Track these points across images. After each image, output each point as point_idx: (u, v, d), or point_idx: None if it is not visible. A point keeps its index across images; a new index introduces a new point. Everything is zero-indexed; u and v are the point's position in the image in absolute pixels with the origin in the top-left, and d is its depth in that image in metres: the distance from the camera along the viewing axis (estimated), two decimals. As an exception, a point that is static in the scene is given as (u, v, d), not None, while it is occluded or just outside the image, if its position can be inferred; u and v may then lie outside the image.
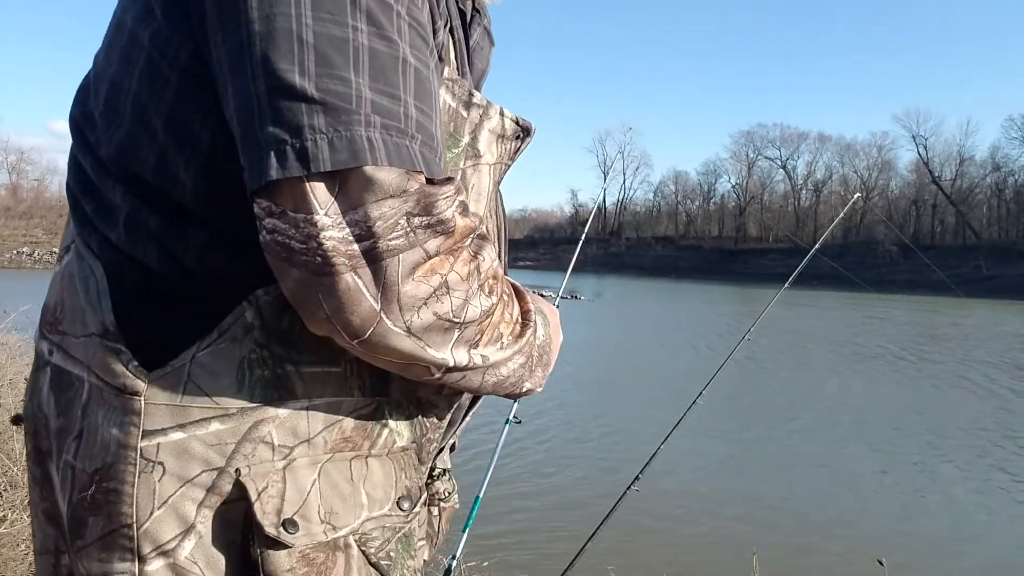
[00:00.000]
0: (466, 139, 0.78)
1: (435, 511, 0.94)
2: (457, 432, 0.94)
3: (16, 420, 0.83)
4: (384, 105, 0.61)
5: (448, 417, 0.86)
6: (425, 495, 0.84)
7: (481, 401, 0.92)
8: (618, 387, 13.37)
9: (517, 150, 0.85)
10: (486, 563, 4.20)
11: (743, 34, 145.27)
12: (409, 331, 0.65)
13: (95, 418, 0.68)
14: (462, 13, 0.81)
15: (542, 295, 0.95)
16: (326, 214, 0.60)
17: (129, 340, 0.68)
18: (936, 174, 73.28)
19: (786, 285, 2.76)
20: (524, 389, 0.82)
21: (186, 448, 0.66)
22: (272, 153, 0.59)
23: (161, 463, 0.66)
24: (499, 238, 0.90)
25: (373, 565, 0.74)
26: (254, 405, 0.68)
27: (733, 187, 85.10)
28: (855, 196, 3.62)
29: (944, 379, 15.46)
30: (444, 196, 0.64)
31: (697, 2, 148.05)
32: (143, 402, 0.66)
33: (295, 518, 0.68)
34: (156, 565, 0.66)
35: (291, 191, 0.60)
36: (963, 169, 73.08)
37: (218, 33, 0.62)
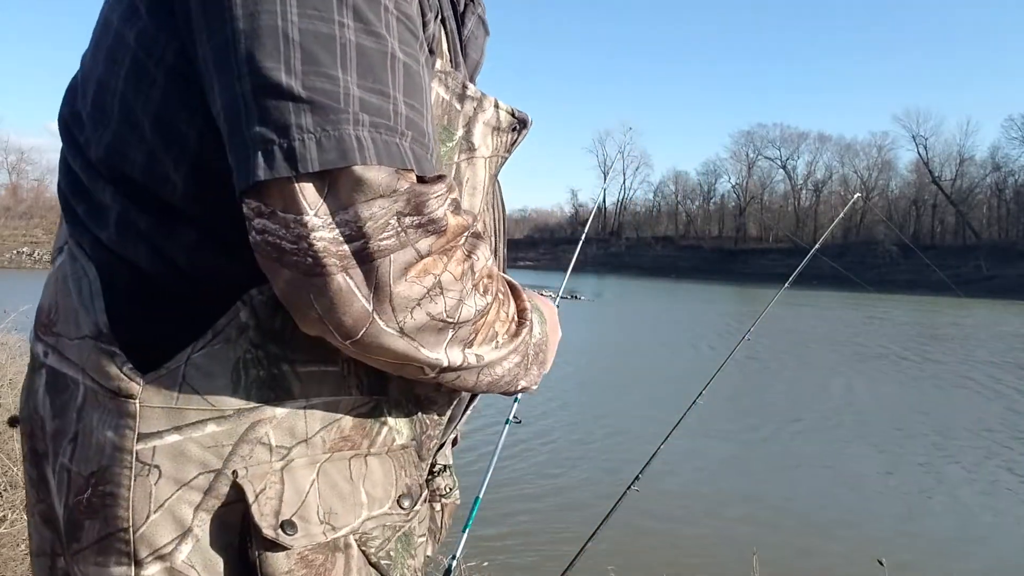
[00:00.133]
0: (460, 132, 0.77)
1: (437, 507, 0.94)
2: (458, 427, 0.94)
3: (13, 422, 0.82)
4: (373, 103, 0.61)
5: (448, 413, 0.85)
6: (426, 492, 0.84)
7: (480, 396, 0.91)
8: (618, 387, 13.37)
9: (514, 142, 0.84)
10: (486, 563, 4.20)
11: (743, 34, 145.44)
12: (402, 331, 0.64)
13: (90, 421, 0.68)
14: (454, 3, 0.80)
15: (542, 294, 0.95)
16: (316, 214, 0.59)
17: (123, 342, 0.67)
18: (936, 174, 73.29)
19: (786, 285, 2.76)
20: (519, 387, 0.81)
21: (182, 451, 0.66)
22: (259, 153, 0.58)
23: (157, 466, 0.65)
24: (496, 232, 0.89)
25: (373, 565, 0.74)
26: (250, 406, 0.67)
27: (733, 187, 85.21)
28: (855, 196, 3.62)
29: (947, 379, 15.46)
30: (435, 195, 0.63)
31: (697, 2, 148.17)
32: (138, 405, 0.65)
33: (294, 519, 0.67)
34: (153, 569, 0.65)
35: (280, 191, 0.59)
36: (963, 169, 73.14)
37: (203, 31, 0.62)
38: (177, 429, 0.66)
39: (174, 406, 0.66)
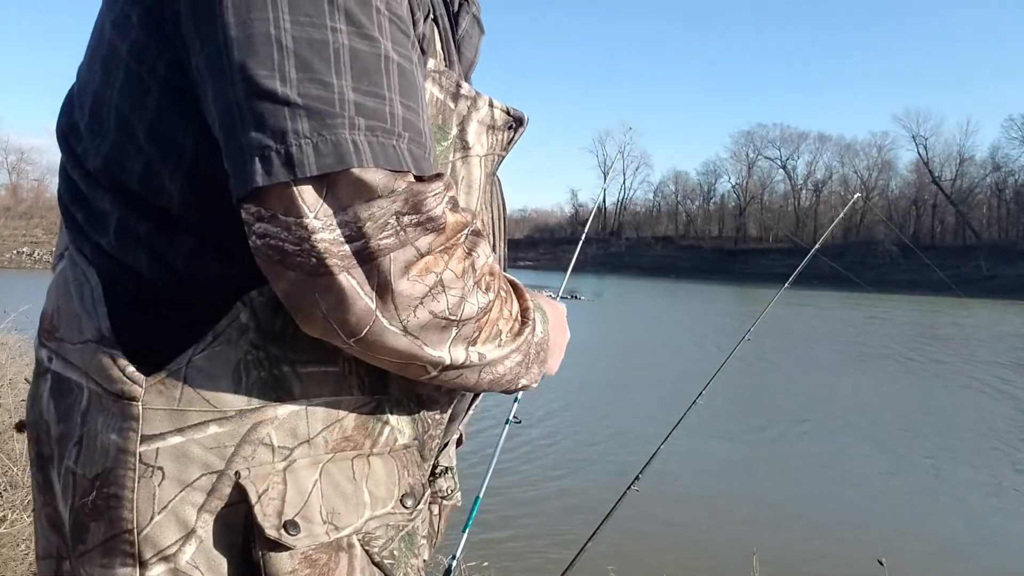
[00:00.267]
0: (454, 131, 0.78)
1: (435, 510, 0.94)
2: (460, 427, 0.94)
3: (20, 427, 0.84)
4: (368, 106, 0.61)
5: (449, 412, 0.85)
6: (429, 492, 0.84)
7: (482, 396, 0.91)
8: (618, 387, 13.37)
9: (510, 141, 0.84)
10: (486, 563, 4.20)
11: (743, 34, 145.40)
12: (405, 330, 0.65)
13: (94, 424, 0.68)
14: (448, 2, 0.80)
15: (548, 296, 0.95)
16: (315, 217, 0.60)
17: (125, 346, 0.68)
18: (936, 174, 73.30)
19: (786, 285, 2.76)
20: (519, 385, 0.81)
21: (185, 452, 0.66)
22: (257, 159, 0.59)
23: (160, 468, 0.66)
24: (495, 230, 0.89)
25: (377, 565, 0.74)
26: (252, 407, 0.68)
27: (733, 187, 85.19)
28: (855, 196, 3.63)
29: (949, 379, 15.46)
30: (433, 193, 0.64)
31: (697, 2, 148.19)
32: (141, 407, 0.66)
33: (296, 519, 0.68)
34: (158, 570, 0.66)
35: (279, 196, 0.60)
36: (963, 169, 73.15)
37: (195, 40, 0.62)
38: (180, 431, 0.66)
39: (176, 408, 0.66)
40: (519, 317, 0.77)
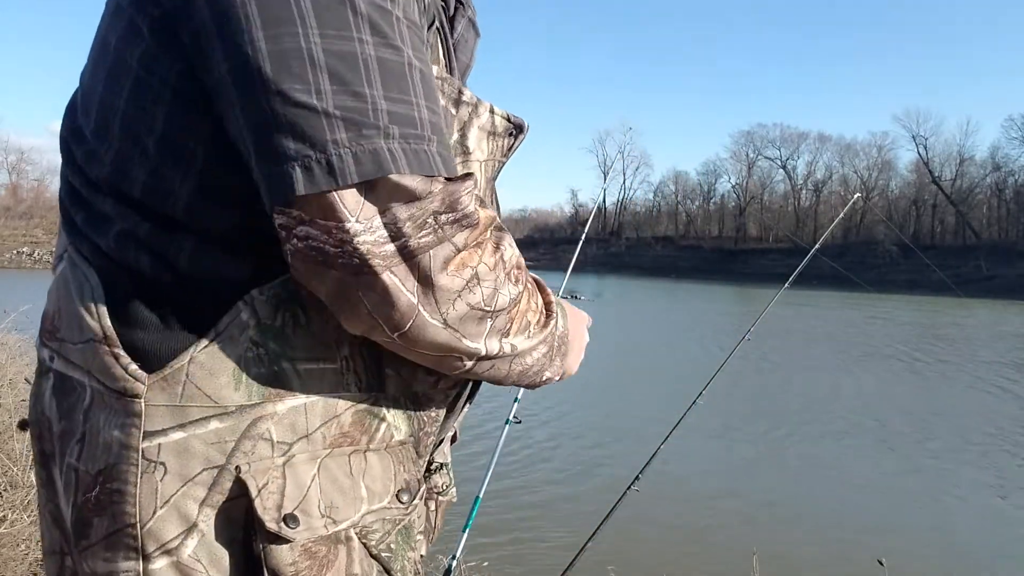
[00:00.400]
0: (455, 136, 0.80)
1: (432, 506, 0.95)
2: (455, 424, 0.95)
3: (23, 425, 0.85)
4: (400, 113, 0.64)
5: (444, 411, 0.87)
6: (424, 487, 0.86)
7: (478, 394, 0.93)
8: (618, 387, 13.36)
9: (511, 147, 0.86)
10: (486, 563, 4.20)
11: (743, 34, 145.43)
12: (446, 323, 0.69)
13: (97, 421, 0.70)
14: (444, 7, 0.82)
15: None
16: (357, 220, 0.63)
17: (127, 344, 0.69)
18: (936, 174, 73.29)
19: (786, 285, 2.76)
20: (544, 378, 0.85)
21: (187, 447, 0.68)
22: (298, 168, 0.61)
23: (163, 463, 0.67)
24: None
25: (374, 557, 0.76)
26: (252, 402, 0.69)
27: (733, 187, 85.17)
28: (855, 196, 3.63)
29: (951, 379, 15.45)
30: (466, 191, 0.67)
31: (697, 2, 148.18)
32: (143, 404, 0.67)
33: (296, 513, 0.69)
34: (160, 563, 0.67)
35: (319, 202, 0.62)
36: (963, 169, 73.12)
37: (218, 52, 0.63)
38: (181, 426, 0.68)
39: (178, 404, 0.68)
40: (544, 310, 0.81)
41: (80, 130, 0.77)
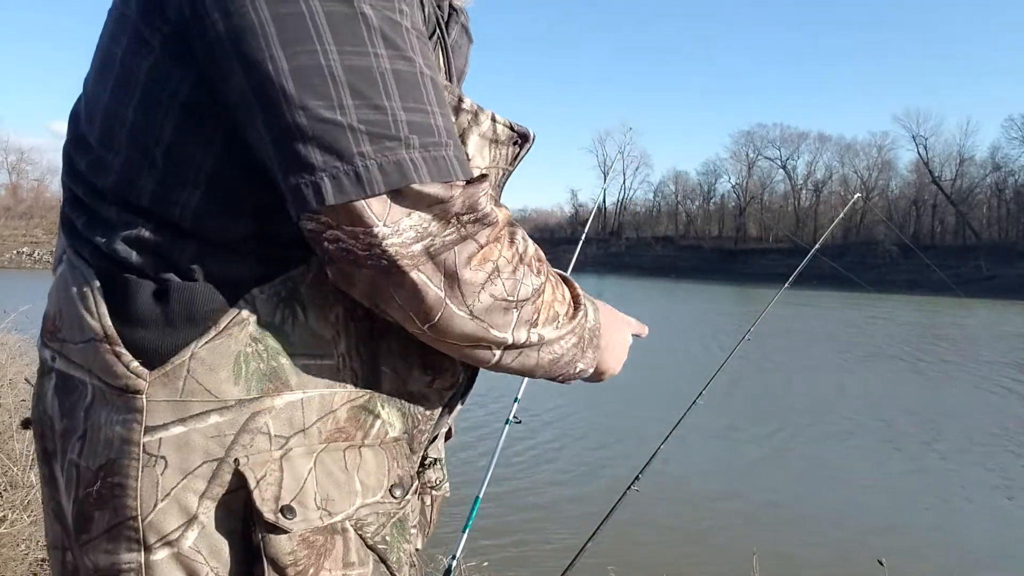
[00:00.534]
0: None
1: (427, 500, 0.97)
2: (448, 422, 0.96)
3: (25, 424, 0.86)
4: (417, 122, 0.68)
5: (439, 409, 0.89)
6: (417, 483, 0.88)
7: (479, 395, 0.94)
8: (618, 387, 13.35)
9: (516, 156, 0.88)
10: (486, 563, 4.20)
11: (743, 34, 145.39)
12: (472, 314, 0.72)
13: (98, 418, 0.71)
14: (439, 14, 0.83)
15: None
16: (384, 224, 0.66)
17: (128, 342, 0.70)
18: (936, 174, 73.28)
19: (786, 285, 2.76)
20: (577, 370, 0.87)
21: (187, 441, 0.70)
22: (327, 178, 0.65)
23: (163, 457, 0.69)
24: None
25: (370, 548, 0.78)
26: (251, 397, 0.71)
27: (733, 187, 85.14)
28: (855, 196, 3.63)
29: (953, 379, 15.45)
30: (483, 193, 0.71)
31: (697, 2, 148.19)
32: (145, 399, 0.69)
33: (293, 504, 0.71)
34: (161, 555, 0.69)
35: (347, 211, 0.66)
36: (963, 169, 73.11)
37: (235, 67, 0.66)
38: (182, 421, 0.70)
39: (179, 399, 0.70)
40: (572, 302, 0.84)
41: (84, 138, 0.78)
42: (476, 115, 0.82)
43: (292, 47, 0.64)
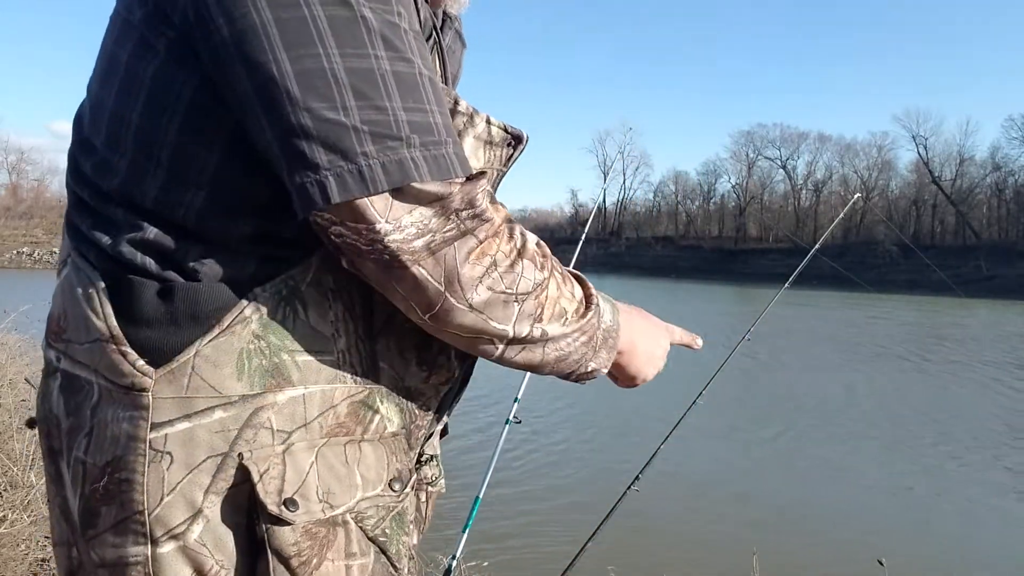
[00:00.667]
0: None
1: (422, 496, 0.98)
2: (445, 418, 0.98)
3: (31, 423, 0.88)
4: (417, 122, 0.70)
5: (435, 405, 0.91)
6: (415, 477, 0.90)
7: (468, 392, 0.97)
8: (619, 387, 13.35)
9: (510, 157, 0.90)
10: (486, 563, 4.20)
11: (743, 34, 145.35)
12: (471, 306, 0.74)
13: (105, 416, 0.73)
14: (433, 20, 0.85)
15: None
16: (386, 221, 0.69)
17: (133, 342, 0.72)
18: (936, 174, 73.25)
19: (786, 285, 2.76)
20: (589, 369, 0.87)
21: (192, 436, 0.72)
22: (332, 177, 0.67)
23: (169, 452, 0.71)
24: None
25: (371, 539, 0.80)
26: (254, 393, 0.73)
27: (733, 187, 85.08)
28: (855, 196, 3.63)
29: (954, 379, 15.42)
30: (481, 190, 0.73)
31: (697, 2, 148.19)
32: (151, 397, 0.71)
33: (295, 497, 0.73)
34: (168, 548, 0.71)
35: (349, 208, 0.68)
36: (963, 169, 73.06)
37: (240, 70, 0.68)
38: (187, 417, 0.72)
39: (184, 395, 0.72)
40: (584, 300, 0.85)
41: (89, 142, 0.79)
42: (471, 117, 0.84)
43: (295, 50, 0.66)
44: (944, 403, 12.94)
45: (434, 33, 0.84)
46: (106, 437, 0.73)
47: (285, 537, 0.73)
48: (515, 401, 2.19)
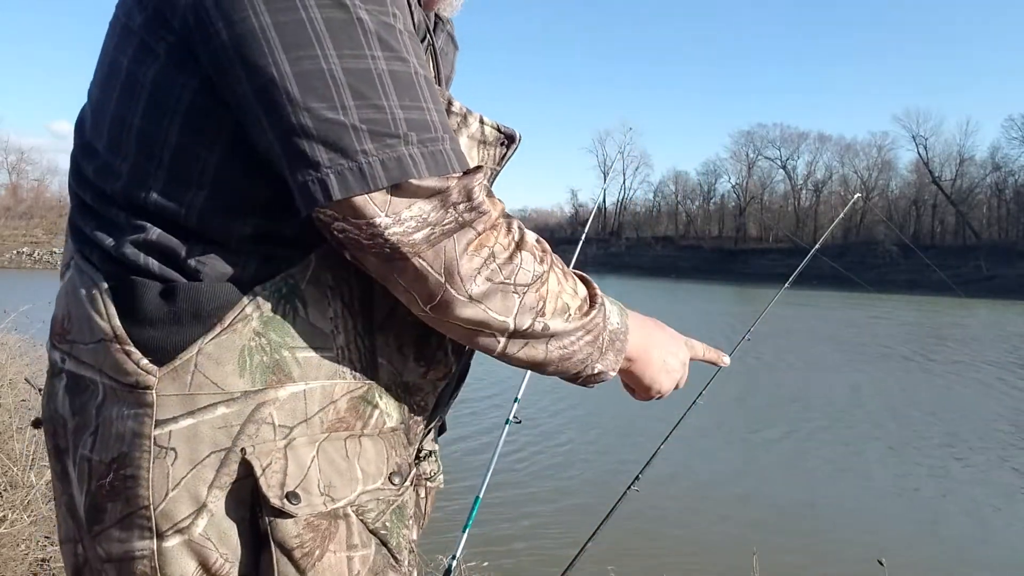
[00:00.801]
0: None
1: (421, 492, 1.00)
2: (443, 414, 1.00)
3: (36, 424, 0.90)
4: (415, 119, 0.72)
5: (433, 401, 0.92)
6: (415, 471, 0.92)
7: (465, 389, 0.98)
8: (618, 387, 13.35)
9: (503, 156, 0.91)
10: (486, 563, 4.20)
11: (743, 34, 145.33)
12: (471, 298, 0.75)
13: (110, 414, 0.75)
14: (427, 22, 0.87)
15: None
16: (386, 215, 0.71)
17: (137, 341, 0.74)
18: (936, 174, 73.27)
19: (786, 285, 2.76)
20: (596, 370, 0.87)
21: (196, 432, 0.73)
22: (333, 175, 0.69)
23: (173, 448, 0.73)
24: None
25: (372, 532, 0.81)
26: (256, 389, 0.75)
27: (733, 187, 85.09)
28: (855, 196, 3.62)
29: (954, 379, 15.42)
30: (479, 183, 0.75)
31: (697, 2, 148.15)
32: (155, 395, 0.73)
33: (297, 491, 0.75)
34: (173, 542, 0.73)
35: (351, 204, 0.70)
36: (963, 169, 73.09)
37: (240, 72, 0.69)
38: (191, 413, 0.73)
39: (187, 393, 0.73)
40: (588, 299, 0.85)
41: (91, 145, 0.81)
42: (465, 117, 0.85)
43: (294, 52, 0.68)
44: (949, 403, 12.91)
45: (428, 35, 0.85)
46: (111, 435, 0.74)
47: (288, 529, 0.74)
48: (515, 401, 2.19)
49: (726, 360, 1.07)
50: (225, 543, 0.74)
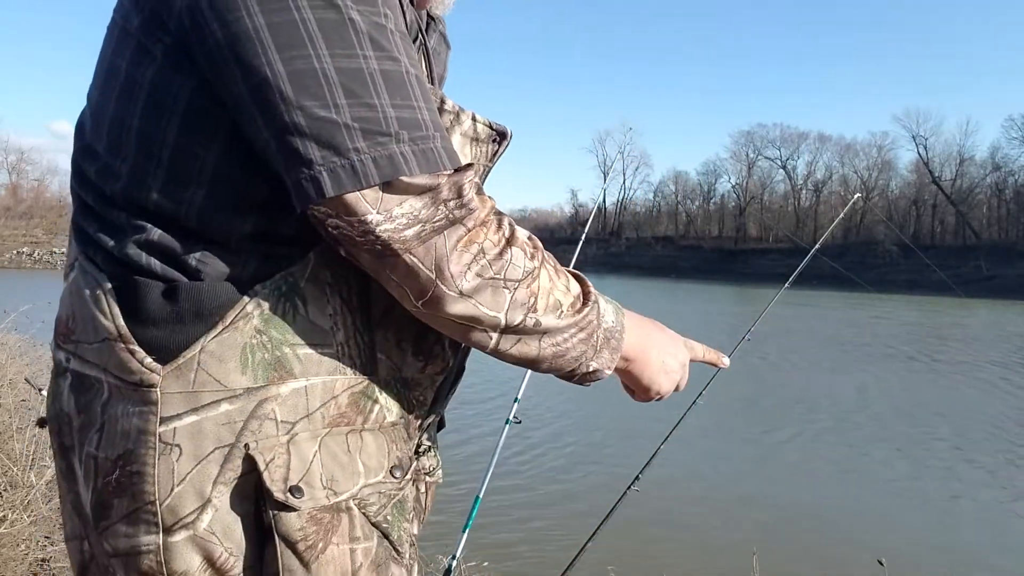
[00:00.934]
0: None
1: (421, 487, 1.00)
2: (441, 409, 1.00)
3: (41, 423, 0.91)
4: (406, 118, 0.73)
5: (432, 395, 0.93)
6: (415, 465, 0.93)
7: (462, 385, 1.00)
8: (618, 387, 13.35)
9: (495, 153, 0.93)
10: (486, 563, 4.20)
11: (743, 34, 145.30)
12: (461, 293, 0.76)
13: (115, 412, 0.76)
14: (419, 21, 0.88)
15: None
16: (378, 212, 0.72)
17: (141, 340, 0.75)
18: (936, 174, 73.26)
19: (786, 285, 2.76)
20: (591, 368, 0.88)
21: (200, 429, 0.74)
22: (325, 172, 0.70)
23: (178, 445, 0.74)
24: None
25: (374, 525, 0.83)
26: (258, 385, 0.76)
27: (733, 187, 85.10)
28: (855, 196, 3.62)
29: (954, 379, 15.40)
30: (468, 180, 0.76)
31: (697, 2, 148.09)
32: (159, 392, 0.74)
33: (300, 485, 0.76)
34: (179, 536, 0.74)
35: (343, 201, 0.71)
36: (963, 169, 73.08)
37: (235, 72, 0.71)
38: (195, 410, 0.74)
39: (191, 390, 0.74)
40: (581, 297, 0.86)
41: (91, 147, 0.82)
42: (458, 115, 0.87)
43: (287, 52, 0.69)
44: (955, 404, 12.86)
45: (420, 35, 0.86)
46: (117, 432, 0.75)
47: (291, 523, 0.75)
48: (515, 401, 2.19)
49: (726, 361, 1.07)
50: (229, 537, 0.75)
